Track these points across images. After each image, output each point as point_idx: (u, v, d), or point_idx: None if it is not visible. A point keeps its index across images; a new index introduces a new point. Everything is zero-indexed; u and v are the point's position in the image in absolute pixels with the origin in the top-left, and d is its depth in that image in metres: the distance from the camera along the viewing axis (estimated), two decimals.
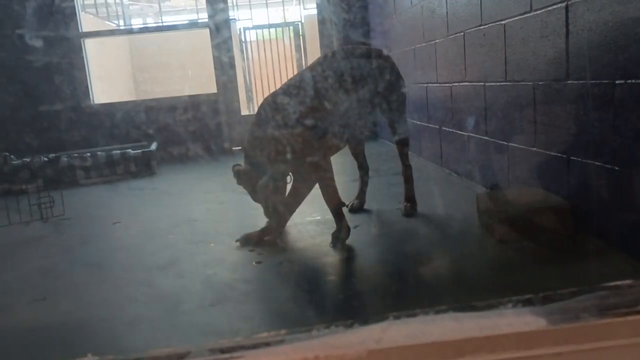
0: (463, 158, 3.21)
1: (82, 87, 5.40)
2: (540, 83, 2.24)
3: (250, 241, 2.35)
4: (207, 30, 5.60)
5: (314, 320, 1.54)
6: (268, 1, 6.25)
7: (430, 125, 3.76)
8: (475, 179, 3.05)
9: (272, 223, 2.40)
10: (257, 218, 2.56)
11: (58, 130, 5.34)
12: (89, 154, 4.53)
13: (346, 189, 2.62)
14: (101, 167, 4.48)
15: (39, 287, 2.10)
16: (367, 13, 5.59)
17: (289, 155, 2.19)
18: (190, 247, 2.41)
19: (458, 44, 3.07)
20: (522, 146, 2.45)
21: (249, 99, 7.24)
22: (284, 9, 6.73)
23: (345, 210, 2.34)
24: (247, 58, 7.10)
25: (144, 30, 7.40)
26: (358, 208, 2.74)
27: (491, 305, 0.89)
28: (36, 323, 1.77)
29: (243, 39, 6.96)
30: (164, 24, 6.79)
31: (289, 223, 2.44)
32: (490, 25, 2.64)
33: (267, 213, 2.42)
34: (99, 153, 4.54)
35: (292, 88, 2.28)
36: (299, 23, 6.92)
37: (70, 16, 5.32)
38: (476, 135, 2.97)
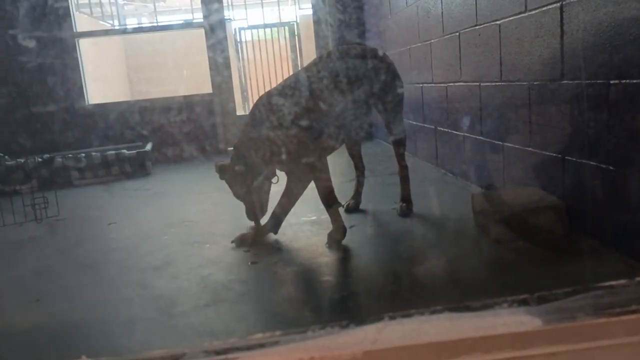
0: (458, 158, 3.21)
1: (76, 88, 5.38)
2: (535, 83, 2.25)
3: (245, 242, 2.34)
4: (202, 31, 5.59)
5: (309, 321, 1.53)
6: (263, 1, 6.24)
7: (425, 125, 3.77)
8: (470, 179, 3.05)
9: (254, 222, 2.41)
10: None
11: (52, 131, 5.32)
12: (83, 155, 4.51)
13: (342, 189, 2.62)
14: (96, 168, 4.46)
15: (32, 288, 2.08)
16: (362, 13, 5.59)
17: (283, 156, 2.19)
18: (185, 248, 2.40)
19: (453, 44, 3.07)
20: (517, 146, 2.46)
21: (244, 99, 7.22)
22: (279, 9, 6.72)
23: (341, 210, 2.34)
24: (243, 58, 7.09)
25: (139, 30, 7.37)
26: (354, 208, 2.74)
27: (486, 306, 0.89)
28: (30, 324, 1.76)
29: (238, 39, 6.95)
30: (159, 24, 6.76)
31: (284, 223, 2.44)
32: (485, 25, 2.65)
33: (249, 213, 2.43)
34: (93, 154, 4.53)
35: (287, 89, 2.27)
36: (295, 23, 6.91)
37: (64, 16, 5.30)
38: (471, 136, 2.97)
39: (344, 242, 2.24)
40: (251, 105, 2.35)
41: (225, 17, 5.77)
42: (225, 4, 5.75)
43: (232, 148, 2.39)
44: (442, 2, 3.20)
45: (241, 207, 2.49)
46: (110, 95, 6.59)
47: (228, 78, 5.63)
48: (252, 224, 2.46)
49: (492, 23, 2.56)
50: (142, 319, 1.71)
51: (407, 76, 3.91)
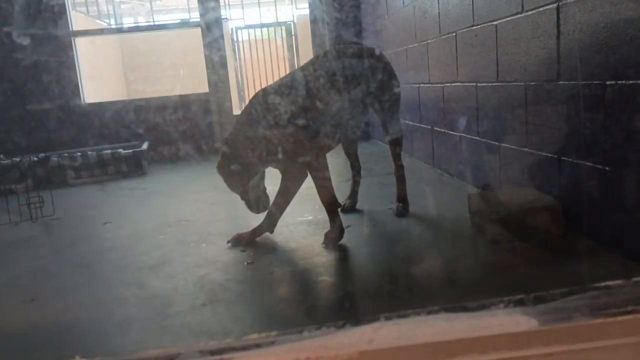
0: (455, 158, 3.21)
1: (72, 86, 5.36)
2: (531, 83, 2.25)
3: (241, 242, 2.34)
4: (199, 30, 5.58)
5: (305, 321, 1.53)
6: (260, 1, 6.24)
7: (422, 125, 3.77)
8: (467, 179, 3.06)
9: (265, 215, 2.39)
10: (248, 219, 2.55)
11: (47, 129, 5.30)
12: (79, 154, 4.50)
13: (339, 189, 2.61)
14: (92, 167, 4.45)
15: (27, 288, 2.07)
16: (359, 13, 5.59)
17: (278, 155, 2.18)
18: (181, 248, 2.40)
19: (450, 45, 3.08)
20: (513, 146, 2.46)
21: (241, 99, 7.21)
22: (276, 9, 6.72)
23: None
24: (239, 58, 7.08)
25: (135, 29, 7.36)
26: (350, 208, 2.74)
27: (483, 306, 0.89)
28: (25, 324, 1.75)
29: (235, 39, 6.94)
30: (155, 23, 6.75)
31: (280, 223, 2.43)
32: (482, 25, 2.65)
33: (250, 206, 2.41)
34: (89, 153, 4.51)
35: (283, 87, 2.26)
36: (291, 23, 6.90)
37: (59, 14, 5.28)
38: (468, 136, 2.97)
39: (340, 241, 2.23)
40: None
41: (222, 17, 5.76)
42: (222, 3, 5.74)
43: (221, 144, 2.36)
44: (439, 3, 3.21)
45: (236, 206, 2.49)
46: (106, 94, 6.56)
47: (224, 77, 5.62)
48: (250, 222, 2.46)
49: (489, 23, 2.56)
50: (138, 318, 1.70)
51: (403, 76, 3.91)
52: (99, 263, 2.35)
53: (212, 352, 0.83)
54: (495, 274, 1.85)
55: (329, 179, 2.26)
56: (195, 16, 5.84)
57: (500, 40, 2.48)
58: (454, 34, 3.00)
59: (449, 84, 3.18)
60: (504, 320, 0.85)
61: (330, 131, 2.28)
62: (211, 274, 2.02)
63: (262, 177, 2.42)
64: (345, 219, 2.53)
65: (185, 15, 6.62)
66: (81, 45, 5.62)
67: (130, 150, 4.62)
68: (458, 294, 1.68)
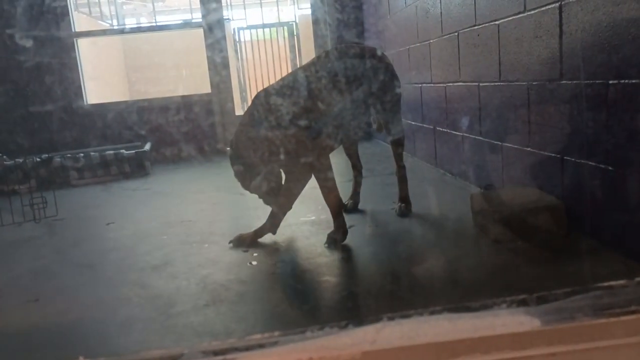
0: (457, 158, 3.21)
1: (74, 87, 5.37)
2: (534, 83, 2.24)
3: (243, 242, 2.34)
4: (201, 31, 5.59)
5: (308, 322, 1.53)
6: (262, 1, 6.24)
7: (424, 125, 3.77)
8: (469, 179, 3.05)
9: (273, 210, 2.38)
10: (251, 219, 2.55)
11: (50, 130, 5.31)
12: (82, 155, 4.51)
13: (341, 189, 2.60)
14: (94, 168, 4.46)
15: (31, 288, 2.08)
16: (361, 13, 5.59)
17: (281, 155, 2.18)
18: (184, 248, 2.40)
19: (452, 44, 3.07)
20: (516, 146, 2.46)
21: (243, 100, 7.22)
22: (278, 9, 6.72)
23: None
24: (241, 58, 7.08)
25: (138, 30, 7.36)
26: (352, 208, 2.74)
27: (485, 306, 0.89)
28: (28, 324, 1.76)
29: (237, 39, 6.94)
30: (158, 24, 6.76)
31: (283, 223, 2.43)
32: (484, 25, 2.65)
33: (265, 200, 2.39)
34: (92, 154, 4.52)
35: (285, 87, 2.26)
36: (293, 23, 6.90)
37: (62, 15, 5.29)
38: (470, 136, 2.97)
39: (343, 242, 2.23)
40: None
41: (224, 17, 5.77)
42: (224, 4, 5.74)
43: (228, 147, 2.36)
44: (441, 2, 3.20)
45: (239, 206, 2.49)
46: (108, 95, 6.58)
47: (227, 77, 5.63)
48: (253, 222, 2.46)
49: (491, 23, 2.56)
50: (141, 318, 1.70)
51: (406, 76, 3.91)
52: (102, 263, 2.35)
53: (215, 352, 0.83)
54: (498, 274, 1.85)
55: (333, 179, 2.25)
56: (197, 17, 5.85)
57: (502, 39, 2.48)
58: (456, 33, 3.00)
59: (451, 84, 3.18)
60: (507, 320, 0.85)
61: (332, 131, 2.28)
62: (214, 274, 2.02)
63: (277, 175, 2.37)
64: (347, 219, 2.53)
65: (187, 16, 6.64)
66: (84, 47, 5.64)
67: (133, 151, 4.62)
68: (461, 294, 1.68)
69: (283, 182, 2.38)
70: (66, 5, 5.33)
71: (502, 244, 2.04)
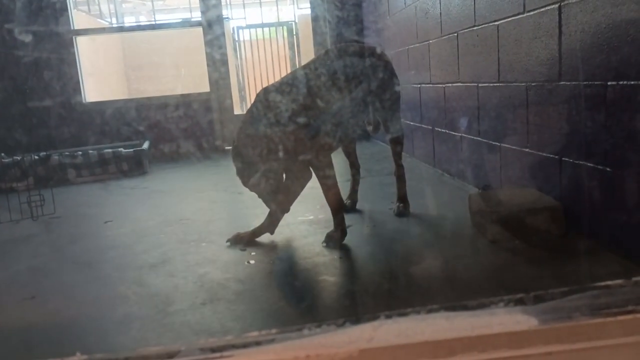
0: (456, 158, 3.21)
1: (73, 84, 5.36)
2: (532, 84, 2.25)
3: (241, 241, 2.34)
4: (200, 29, 5.58)
5: (305, 319, 1.53)
6: (262, 0, 6.24)
7: (423, 125, 3.77)
8: (467, 179, 3.06)
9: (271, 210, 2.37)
10: (248, 218, 2.55)
11: (48, 127, 5.30)
12: (80, 153, 4.50)
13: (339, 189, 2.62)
14: (93, 166, 4.45)
15: (28, 285, 2.08)
16: (360, 11, 5.59)
17: (280, 154, 2.18)
18: (181, 246, 2.40)
19: (451, 45, 3.08)
20: (514, 147, 2.46)
21: (242, 99, 7.22)
22: (277, 8, 6.71)
23: None
24: (241, 57, 7.08)
25: (137, 28, 7.36)
26: (350, 207, 2.74)
27: (483, 305, 0.89)
28: (25, 322, 1.75)
29: (236, 38, 6.94)
30: (157, 22, 6.76)
31: (281, 223, 2.43)
32: (483, 26, 2.65)
33: (267, 202, 2.39)
34: (90, 152, 4.51)
35: (284, 85, 2.26)
36: (293, 22, 6.90)
37: (60, 11, 5.28)
38: (469, 136, 2.97)
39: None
40: (249, 104, 2.33)
41: (224, 16, 5.76)
42: (223, 3, 5.74)
43: (229, 147, 2.37)
44: (440, 3, 3.20)
45: (237, 205, 2.49)
46: (107, 94, 6.57)
47: (225, 74, 5.63)
48: (251, 222, 2.45)
49: (491, 24, 2.56)
50: (138, 316, 1.70)
51: (405, 76, 3.91)
52: (100, 261, 2.35)
53: (213, 350, 0.83)
54: (495, 274, 1.85)
55: (334, 178, 2.24)
56: (196, 16, 5.84)
57: (501, 40, 2.48)
58: (456, 34, 3.00)
59: (450, 84, 3.18)
60: (504, 319, 0.85)
61: (332, 130, 2.28)
62: (211, 273, 2.02)
63: (277, 173, 2.37)
64: (345, 218, 2.53)
65: (186, 15, 6.63)
66: (82, 44, 5.63)
67: (132, 150, 4.62)
68: (458, 293, 1.68)
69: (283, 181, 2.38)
70: (65, 2, 5.32)
71: (499, 244, 2.04)
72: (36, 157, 4.27)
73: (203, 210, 3.10)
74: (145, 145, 4.88)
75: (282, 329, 0.86)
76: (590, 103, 1.87)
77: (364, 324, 0.86)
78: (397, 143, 2.63)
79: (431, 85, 3.52)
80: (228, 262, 2.15)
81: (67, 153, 4.53)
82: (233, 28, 6.81)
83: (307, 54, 6.26)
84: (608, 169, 1.80)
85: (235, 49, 6.91)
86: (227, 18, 6.26)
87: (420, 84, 3.73)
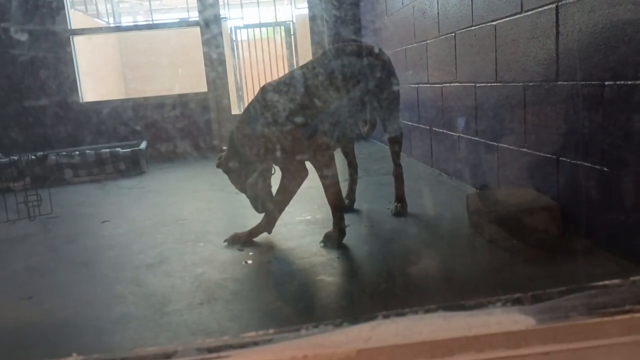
0: (453, 158, 3.22)
1: (69, 83, 5.35)
2: (530, 84, 2.25)
3: (238, 241, 2.33)
4: (198, 29, 5.57)
5: (303, 319, 1.53)
6: (259, 0, 6.23)
7: (420, 125, 3.77)
8: (465, 179, 3.06)
9: (264, 214, 2.38)
10: (246, 218, 2.55)
11: (44, 126, 5.29)
12: (77, 153, 4.49)
13: None
14: (90, 166, 4.44)
15: (25, 285, 2.07)
16: (358, 10, 5.59)
17: (278, 153, 2.18)
18: (178, 246, 2.39)
19: (449, 45, 3.08)
20: (512, 147, 2.46)
21: (240, 99, 7.21)
22: (275, 8, 6.71)
23: None
24: (238, 57, 7.08)
25: (134, 28, 7.35)
26: (348, 207, 2.73)
27: (480, 305, 0.89)
28: (22, 321, 1.75)
29: (234, 38, 6.93)
30: (154, 22, 6.74)
31: (278, 222, 2.43)
32: (481, 26, 2.65)
33: (255, 206, 2.40)
34: (87, 151, 4.51)
35: (282, 85, 2.26)
36: (290, 22, 6.90)
37: (57, 10, 5.26)
38: (466, 136, 2.98)
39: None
40: (246, 104, 2.32)
41: (221, 16, 5.75)
42: (221, 3, 5.73)
43: (226, 147, 2.36)
44: (438, 3, 3.21)
45: (234, 205, 2.48)
46: (104, 93, 6.56)
47: (223, 74, 5.62)
48: (248, 221, 2.45)
49: (488, 24, 2.56)
50: (135, 316, 1.70)
51: (402, 76, 3.91)
52: (97, 261, 2.34)
53: (210, 350, 0.83)
54: (492, 273, 1.85)
55: (335, 177, 2.23)
56: (194, 15, 5.84)
57: (499, 40, 2.48)
58: (453, 34, 3.00)
59: (447, 84, 3.19)
60: (502, 318, 0.85)
61: (330, 129, 2.28)
62: (208, 273, 2.02)
63: (267, 175, 2.39)
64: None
65: (184, 15, 6.62)
66: (79, 44, 5.61)
67: (129, 150, 4.61)
68: (455, 292, 1.68)
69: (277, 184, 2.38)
70: (62, 0, 5.30)
71: (497, 243, 2.04)
72: (33, 156, 4.26)
73: (200, 210, 3.09)
74: (143, 145, 4.87)
75: (279, 329, 0.86)
76: (588, 103, 1.87)
77: (361, 324, 0.86)
78: (395, 142, 2.63)
79: (429, 85, 3.52)
80: (225, 262, 2.15)
81: (64, 153, 4.52)
82: (230, 28, 6.80)
83: (305, 53, 6.26)
84: (605, 169, 1.80)
85: (232, 49, 6.91)
86: (225, 18, 6.26)
87: (417, 83, 3.73)
